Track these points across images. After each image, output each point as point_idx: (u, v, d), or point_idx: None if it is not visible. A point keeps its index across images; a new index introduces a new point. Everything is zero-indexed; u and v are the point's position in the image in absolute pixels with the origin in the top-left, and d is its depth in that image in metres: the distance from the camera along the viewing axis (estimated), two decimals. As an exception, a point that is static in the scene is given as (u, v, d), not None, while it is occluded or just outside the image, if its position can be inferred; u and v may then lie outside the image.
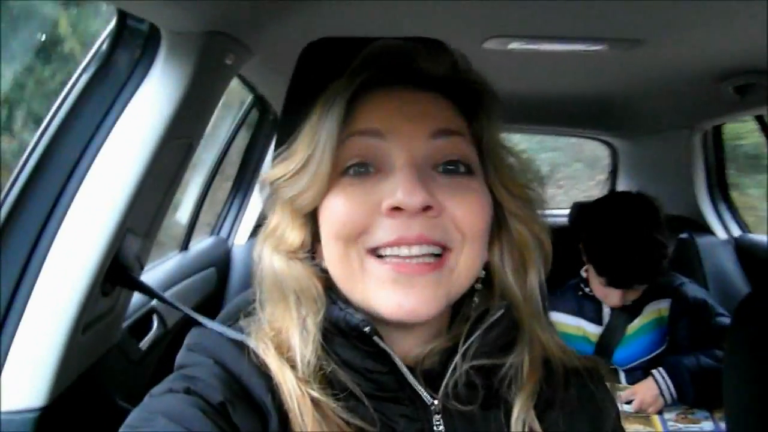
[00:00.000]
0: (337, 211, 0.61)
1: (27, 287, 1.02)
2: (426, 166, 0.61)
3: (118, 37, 1.07)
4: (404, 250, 0.59)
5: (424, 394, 0.63)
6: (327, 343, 0.62)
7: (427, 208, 0.58)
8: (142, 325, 1.57)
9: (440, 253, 0.60)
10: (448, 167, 0.62)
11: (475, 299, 0.68)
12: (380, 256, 0.60)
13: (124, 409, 1.32)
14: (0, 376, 0.98)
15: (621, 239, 1.74)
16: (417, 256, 0.59)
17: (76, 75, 1.08)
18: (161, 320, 1.66)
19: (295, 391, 0.59)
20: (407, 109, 0.63)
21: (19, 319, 1.01)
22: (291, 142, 0.66)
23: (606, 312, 1.91)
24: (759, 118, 2.26)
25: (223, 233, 2.63)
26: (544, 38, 1.62)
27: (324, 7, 1.30)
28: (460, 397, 0.63)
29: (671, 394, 1.68)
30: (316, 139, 0.62)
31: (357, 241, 0.60)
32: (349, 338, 0.62)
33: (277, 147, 0.84)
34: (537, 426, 0.64)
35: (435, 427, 0.63)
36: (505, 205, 0.67)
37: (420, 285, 0.59)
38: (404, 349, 0.64)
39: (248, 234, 2.65)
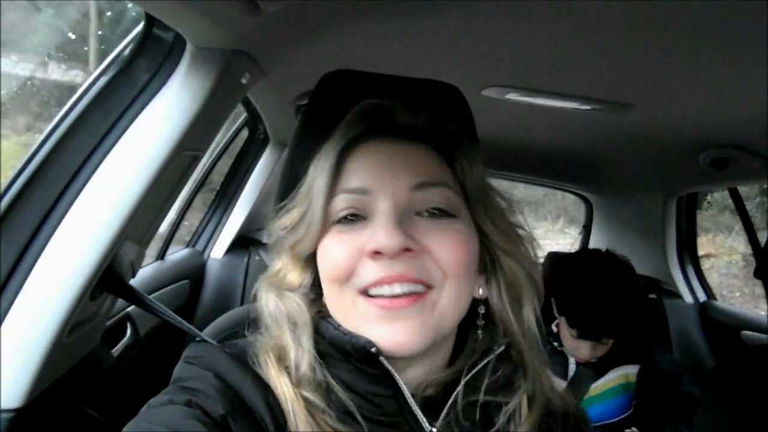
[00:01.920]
0: (329, 254, 0.67)
1: (17, 284, 1.00)
2: (409, 212, 0.66)
3: (141, 44, 1.08)
4: (387, 289, 0.63)
5: (424, 421, 0.65)
6: (329, 366, 0.66)
7: (406, 250, 0.63)
8: (115, 331, 1.54)
9: (422, 291, 0.64)
10: (432, 212, 0.67)
11: (479, 333, 0.72)
12: (369, 296, 0.64)
13: (90, 417, 1.29)
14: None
15: (592, 291, 1.78)
16: (400, 295, 0.63)
17: (93, 77, 1.08)
18: (134, 328, 1.63)
19: (289, 393, 0.63)
20: (392, 164, 0.68)
21: (2, 317, 0.99)
22: (294, 194, 0.73)
23: (572, 368, 1.93)
24: (732, 191, 2.36)
25: (199, 246, 2.61)
26: (540, 92, 1.67)
27: (335, 41, 1.34)
28: (459, 427, 0.65)
29: None
30: (310, 196, 0.69)
31: (348, 282, 0.65)
32: (353, 362, 0.65)
33: (283, 178, 0.90)
34: None
35: None
36: (496, 242, 0.71)
37: (403, 318, 0.63)
38: (405, 380, 0.66)
39: (224, 249, 2.64)
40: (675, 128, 1.86)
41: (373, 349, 0.62)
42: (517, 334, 0.70)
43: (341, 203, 0.67)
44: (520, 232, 0.73)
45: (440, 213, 0.67)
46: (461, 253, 0.66)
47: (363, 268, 0.64)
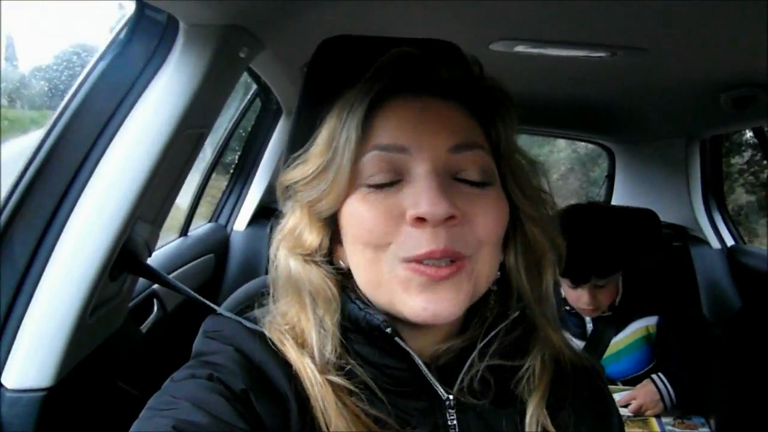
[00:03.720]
0: (362, 218, 0.62)
1: (38, 269, 1.04)
2: (446, 175, 0.62)
3: (135, 27, 1.09)
4: (433, 260, 0.60)
5: (440, 390, 0.64)
6: (345, 340, 0.64)
7: (450, 218, 0.59)
8: (143, 308, 1.60)
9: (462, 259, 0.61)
10: (468, 176, 0.63)
11: (491, 300, 0.69)
12: (413, 262, 0.61)
13: (124, 390, 1.35)
14: (9, 355, 1.00)
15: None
16: (438, 259, 0.59)
17: (92, 63, 1.09)
18: (161, 304, 1.68)
19: (315, 378, 0.61)
20: (428, 122, 0.63)
21: (29, 301, 1.03)
22: (309, 145, 0.67)
23: (589, 326, 1.92)
24: (757, 130, 2.29)
25: (222, 220, 2.65)
26: (550, 42, 1.63)
27: (335, 6, 1.32)
28: (474, 393, 0.65)
29: (671, 400, 1.70)
30: (334, 146, 0.63)
31: (388, 249, 0.61)
32: (368, 336, 0.64)
33: (291, 144, 0.83)
34: (549, 425, 0.66)
35: (449, 422, 0.65)
36: (521, 208, 0.67)
37: (442, 289, 0.60)
38: (419, 347, 0.65)
39: (247, 221, 2.67)
40: (692, 69, 1.80)
41: (388, 330, 0.61)
42: (532, 299, 0.68)
43: (373, 161, 0.62)
44: (544, 196, 0.70)
45: (476, 179, 0.63)
46: (498, 223, 0.63)
47: (405, 235, 0.60)
